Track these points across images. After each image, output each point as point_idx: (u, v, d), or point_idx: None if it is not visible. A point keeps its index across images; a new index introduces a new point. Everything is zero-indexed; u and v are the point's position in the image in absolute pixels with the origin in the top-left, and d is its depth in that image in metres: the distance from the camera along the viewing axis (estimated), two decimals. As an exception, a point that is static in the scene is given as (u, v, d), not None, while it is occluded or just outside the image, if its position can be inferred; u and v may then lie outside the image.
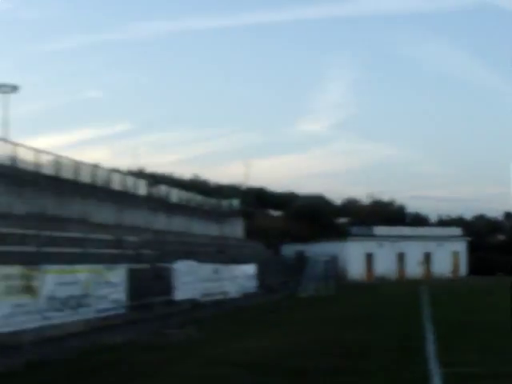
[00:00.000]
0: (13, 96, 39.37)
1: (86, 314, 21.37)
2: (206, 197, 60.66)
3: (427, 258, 75.89)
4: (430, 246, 75.81)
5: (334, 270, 56.13)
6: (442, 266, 76.00)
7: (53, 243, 22.98)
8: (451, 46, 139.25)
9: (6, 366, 14.12)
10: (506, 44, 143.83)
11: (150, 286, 26.88)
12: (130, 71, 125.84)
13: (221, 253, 42.30)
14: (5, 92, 38.82)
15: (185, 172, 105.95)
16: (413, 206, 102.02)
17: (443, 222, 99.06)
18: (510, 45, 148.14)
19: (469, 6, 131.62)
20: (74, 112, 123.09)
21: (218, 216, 59.23)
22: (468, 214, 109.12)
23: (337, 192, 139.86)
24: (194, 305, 30.48)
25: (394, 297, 40.02)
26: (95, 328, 21.20)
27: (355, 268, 70.15)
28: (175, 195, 52.23)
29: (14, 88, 38.79)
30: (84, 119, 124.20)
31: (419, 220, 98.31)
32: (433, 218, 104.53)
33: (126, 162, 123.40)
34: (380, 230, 74.70)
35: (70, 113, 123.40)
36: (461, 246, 78.55)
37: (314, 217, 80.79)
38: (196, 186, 74.71)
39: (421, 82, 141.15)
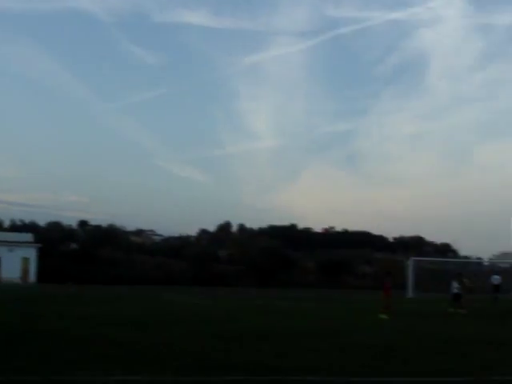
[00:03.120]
0: None
1: None
2: None
3: (-3, 262, 74.24)
4: (1, 251, 75.78)
5: None
6: (12, 271, 75.64)
7: None
8: (37, 49, 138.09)
9: None
10: (95, 54, 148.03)
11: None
12: None
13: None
14: None
15: None
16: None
17: (16, 227, 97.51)
18: (97, 55, 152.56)
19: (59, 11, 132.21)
20: None
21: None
22: (42, 221, 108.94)
23: None
24: None
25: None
26: None
27: None
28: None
29: None
30: None
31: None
32: (6, 222, 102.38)
33: None
34: None
35: None
36: (31, 252, 78.47)
37: None
38: None
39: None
